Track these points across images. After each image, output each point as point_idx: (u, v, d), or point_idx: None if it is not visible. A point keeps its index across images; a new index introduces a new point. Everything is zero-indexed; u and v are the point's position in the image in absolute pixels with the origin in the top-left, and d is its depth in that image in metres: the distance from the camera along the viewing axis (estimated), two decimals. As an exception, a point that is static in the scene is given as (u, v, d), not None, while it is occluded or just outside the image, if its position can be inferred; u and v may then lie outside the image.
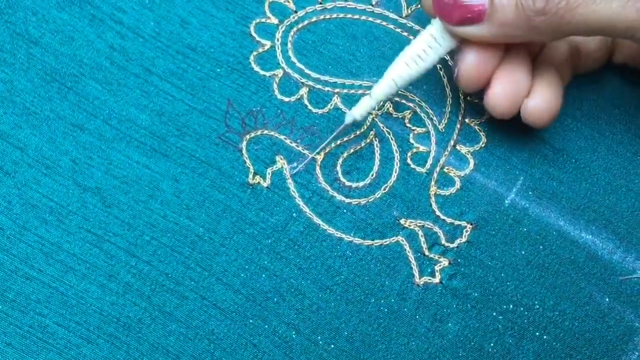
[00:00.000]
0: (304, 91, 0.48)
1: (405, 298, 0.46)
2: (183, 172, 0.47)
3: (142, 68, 0.48)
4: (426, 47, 0.43)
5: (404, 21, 0.49)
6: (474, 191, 0.47)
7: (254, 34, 0.49)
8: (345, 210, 0.47)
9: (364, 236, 0.46)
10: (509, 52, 0.43)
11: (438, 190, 0.47)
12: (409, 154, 0.48)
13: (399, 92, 0.47)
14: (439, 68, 0.49)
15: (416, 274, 0.46)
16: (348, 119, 0.45)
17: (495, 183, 0.47)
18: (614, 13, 0.38)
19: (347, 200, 0.47)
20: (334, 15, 0.49)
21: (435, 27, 0.43)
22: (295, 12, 0.49)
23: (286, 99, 0.48)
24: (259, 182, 0.47)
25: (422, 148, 0.48)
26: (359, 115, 0.45)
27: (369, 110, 0.45)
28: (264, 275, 0.46)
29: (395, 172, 0.47)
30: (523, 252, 0.46)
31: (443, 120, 0.48)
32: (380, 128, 0.48)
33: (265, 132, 0.47)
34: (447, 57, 0.48)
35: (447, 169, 0.47)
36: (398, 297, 0.46)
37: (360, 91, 0.48)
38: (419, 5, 0.49)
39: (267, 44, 0.49)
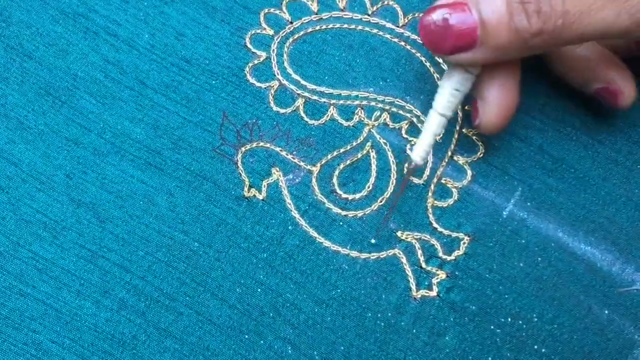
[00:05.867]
0: (299, 102, 0.48)
1: (402, 312, 0.45)
2: (178, 186, 0.46)
3: (136, 81, 0.48)
4: (462, 79, 0.42)
5: (401, 31, 0.49)
6: (471, 202, 0.47)
7: (249, 45, 0.48)
8: (341, 223, 0.46)
9: (361, 249, 0.46)
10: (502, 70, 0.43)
11: (435, 201, 0.47)
12: (406, 165, 0.47)
13: (396, 102, 0.47)
14: (436, 78, 0.48)
15: (413, 287, 0.46)
16: (411, 165, 0.44)
17: (493, 194, 0.47)
18: (608, 23, 0.38)
19: (344, 213, 0.47)
20: (330, 26, 0.49)
21: None
22: (291, 22, 0.49)
23: (282, 111, 0.48)
24: (254, 195, 0.47)
25: (419, 159, 0.47)
26: (420, 159, 0.43)
27: (428, 150, 0.44)
28: (259, 290, 0.45)
29: (392, 184, 0.47)
30: (521, 264, 0.46)
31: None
32: (377, 139, 0.47)
33: (261, 144, 0.47)
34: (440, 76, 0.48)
35: (445, 180, 0.47)
36: (395, 310, 0.45)
37: (357, 102, 0.48)
38: (416, 15, 0.49)
39: (263, 55, 0.48)
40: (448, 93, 0.42)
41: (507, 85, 0.43)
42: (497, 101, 0.43)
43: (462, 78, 0.42)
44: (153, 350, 0.45)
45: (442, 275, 0.46)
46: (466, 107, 0.48)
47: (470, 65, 0.41)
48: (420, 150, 0.43)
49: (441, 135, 0.47)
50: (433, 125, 0.43)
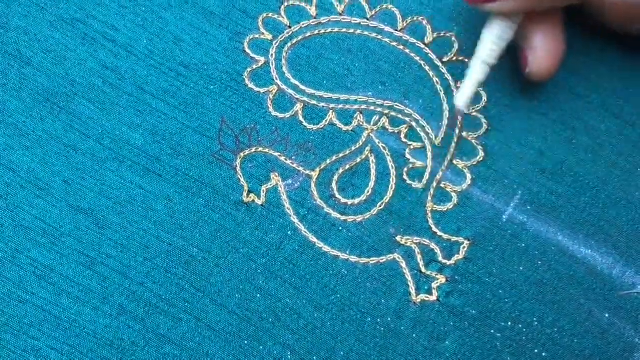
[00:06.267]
0: (298, 107, 0.48)
1: (402, 316, 0.45)
2: (177, 192, 0.46)
3: (135, 87, 0.47)
4: (504, 27, 0.44)
5: (400, 34, 0.49)
6: (471, 207, 0.47)
7: (247, 50, 0.48)
8: (341, 228, 0.46)
9: (360, 254, 0.46)
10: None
11: (435, 206, 0.47)
12: (405, 169, 0.47)
13: (395, 106, 0.47)
14: (435, 82, 0.48)
15: (413, 292, 0.46)
16: (457, 111, 0.46)
17: (492, 198, 0.47)
18: None
19: (343, 218, 0.46)
20: (329, 30, 0.49)
21: None
22: (290, 27, 0.49)
23: (280, 116, 0.48)
24: (253, 200, 0.46)
25: (418, 163, 0.47)
26: (464, 105, 0.45)
27: (471, 97, 0.45)
28: (258, 296, 0.45)
29: (392, 189, 0.47)
30: (521, 268, 0.46)
31: (440, 135, 0.48)
32: (376, 143, 0.47)
33: (260, 149, 0.47)
34: (443, 70, 0.48)
35: (444, 184, 0.47)
36: (395, 315, 0.45)
37: (356, 106, 0.48)
38: (414, 19, 0.49)
39: (261, 60, 0.48)
40: (490, 42, 0.44)
41: (553, 32, 0.44)
42: (545, 47, 0.44)
43: (503, 26, 0.44)
44: (152, 357, 0.44)
45: (441, 279, 0.46)
46: (466, 112, 0.48)
47: (506, 14, 0.43)
48: (463, 96, 0.45)
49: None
50: (476, 72, 0.45)
